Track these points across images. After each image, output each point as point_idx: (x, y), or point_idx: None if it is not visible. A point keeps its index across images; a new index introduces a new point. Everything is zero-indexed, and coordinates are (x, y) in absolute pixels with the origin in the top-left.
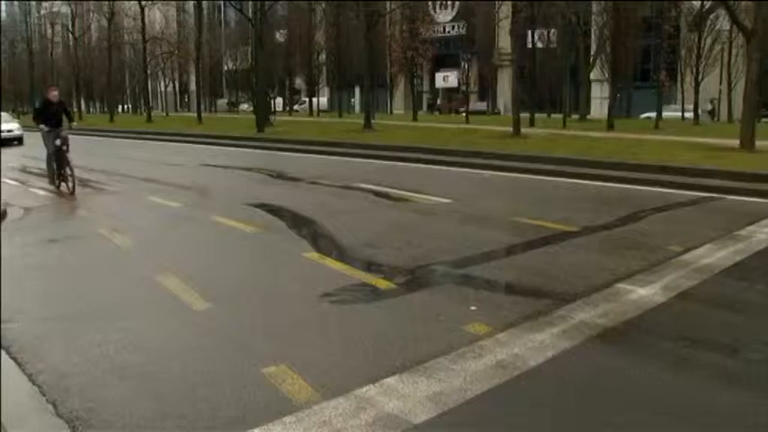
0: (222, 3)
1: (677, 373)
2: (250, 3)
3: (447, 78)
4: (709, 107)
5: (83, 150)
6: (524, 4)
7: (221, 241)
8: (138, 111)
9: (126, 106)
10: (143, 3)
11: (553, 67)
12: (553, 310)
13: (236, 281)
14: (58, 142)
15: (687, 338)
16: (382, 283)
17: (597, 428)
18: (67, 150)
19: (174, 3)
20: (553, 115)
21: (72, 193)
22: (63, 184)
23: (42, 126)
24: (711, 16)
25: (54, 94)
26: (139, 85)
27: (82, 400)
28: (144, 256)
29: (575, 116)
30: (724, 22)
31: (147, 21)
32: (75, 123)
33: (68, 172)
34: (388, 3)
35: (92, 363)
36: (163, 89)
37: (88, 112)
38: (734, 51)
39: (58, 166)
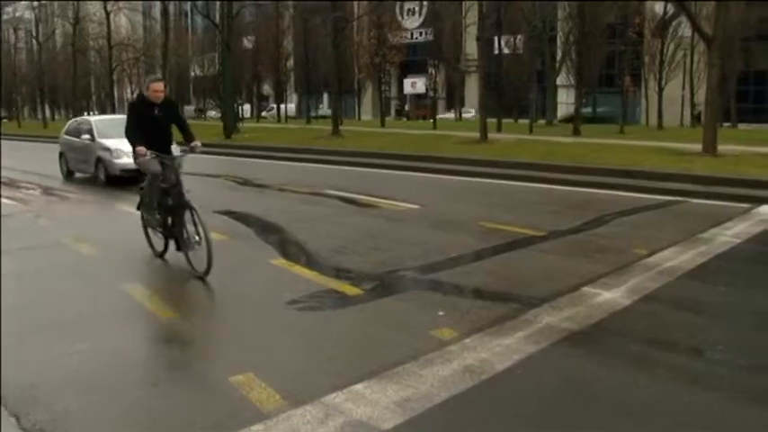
0: (189, 9)
1: (641, 375)
2: (217, 8)
3: (415, 84)
4: (696, 111)
5: (46, 158)
6: (491, 9)
7: None
8: None
9: (92, 113)
10: (108, 8)
11: (520, 72)
12: (520, 315)
13: (203, 289)
14: (170, 177)
15: (651, 340)
16: (350, 290)
17: (563, 430)
18: (185, 191)
19: (140, 8)
20: (519, 120)
21: (206, 273)
22: (182, 250)
23: (143, 150)
24: (674, 23)
25: (156, 89)
26: (105, 91)
27: (46, 411)
28: (111, 265)
29: (541, 120)
30: (686, 29)
31: (113, 26)
32: (198, 142)
33: (195, 233)
34: (356, 6)
35: (57, 373)
36: (129, 95)
37: (53, 118)
38: (696, 58)
39: (172, 220)
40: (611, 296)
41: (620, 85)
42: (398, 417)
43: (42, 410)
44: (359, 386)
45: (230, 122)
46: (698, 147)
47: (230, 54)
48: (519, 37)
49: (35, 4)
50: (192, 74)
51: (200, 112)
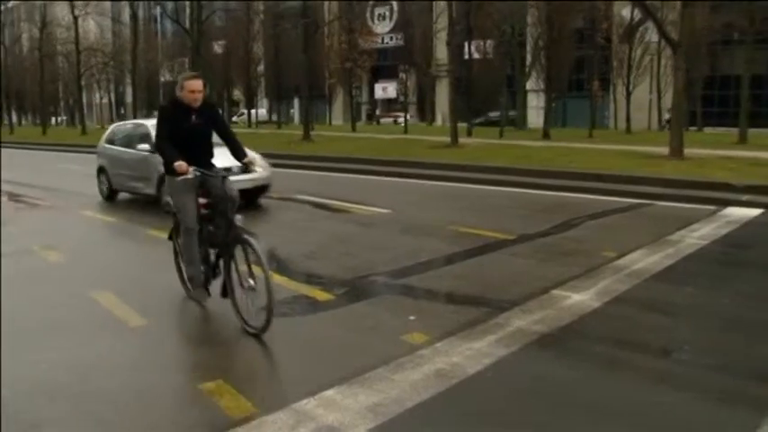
0: (159, 13)
1: (611, 376)
2: (187, 13)
3: (386, 89)
4: (667, 116)
5: (13, 164)
6: (461, 14)
7: (157, 255)
8: (74, 123)
9: (60, 119)
10: (76, 12)
11: (490, 77)
12: (490, 318)
13: (173, 296)
14: (221, 200)
15: (621, 342)
16: (321, 295)
17: None
18: (238, 223)
19: (109, 13)
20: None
21: (262, 330)
22: (228, 297)
23: (183, 165)
24: (641, 29)
25: (193, 88)
26: (73, 96)
27: (13, 422)
28: (78, 272)
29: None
30: (653, 35)
31: (81, 31)
32: (255, 155)
33: (248, 275)
34: (326, 11)
35: (24, 383)
36: (98, 101)
37: (20, 124)
38: (662, 62)
39: (216, 255)
40: (580, 298)
41: (589, 90)
42: (370, 422)
43: (9, 421)
44: (330, 392)
45: None
46: (665, 150)
47: (200, 59)
48: (489, 42)
49: (1, 7)
50: (162, 79)
51: None
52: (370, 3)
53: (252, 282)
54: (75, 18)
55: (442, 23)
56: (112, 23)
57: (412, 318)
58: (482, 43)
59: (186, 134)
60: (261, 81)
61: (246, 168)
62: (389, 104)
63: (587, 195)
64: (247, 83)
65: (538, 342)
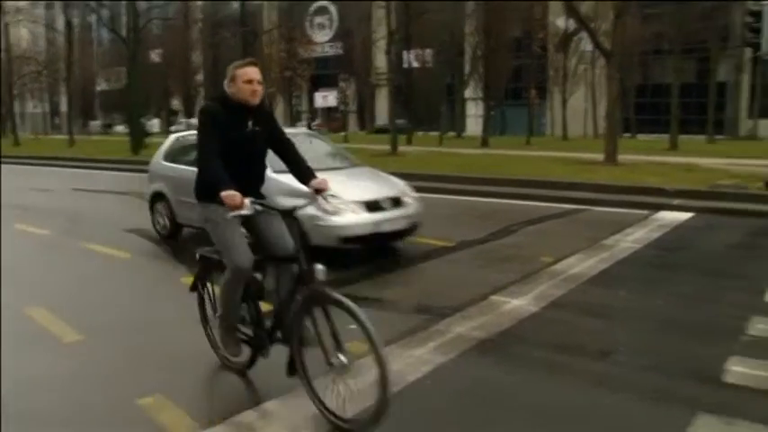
0: (94, 21)
1: (549, 379)
2: (123, 21)
3: (326, 98)
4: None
5: None
6: (399, 23)
7: (93, 269)
8: (5, 133)
9: None
10: (7, 19)
11: (430, 85)
12: (431, 325)
13: (110, 310)
14: (284, 240)
15: (558, 345)
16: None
17: None
18: (319, 276)
19: (42, 20)
20: (431, 133)
21: (367, 424)
22: (295, 375)
23: (237, 197)
24: (575, 38)
25: (250, 77)
26: (5, 107)
27: None
28: (9, 287)
29: (451, 133)
30: (587, 44)
31: (12, 38)
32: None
33: (336, 350)
34: (265, 19)
35: None
36: (31, 110)
37: None
38: (597, 71)
39: (277, 318)
40: (518, 303)
41: (527, 98)
42: None
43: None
44: (270, 404)
45: (138, 138)
46: (600, 157)
47: (137, 68)
48: (428, 51)
49: None
50: (98, 88)
51: (108, 127)
52: (310, 12)
53: (343, 357)
54: (6, 24)
55: (381, 32)
56: (46, 31)
57: (352, 326)
58: (421, 52)
59: (242, 145)
60: (200, 90)
61: (318, 193)
62: (330, 113)
63: (525, 202)
64: (186, 92)
65: (477, 348)
